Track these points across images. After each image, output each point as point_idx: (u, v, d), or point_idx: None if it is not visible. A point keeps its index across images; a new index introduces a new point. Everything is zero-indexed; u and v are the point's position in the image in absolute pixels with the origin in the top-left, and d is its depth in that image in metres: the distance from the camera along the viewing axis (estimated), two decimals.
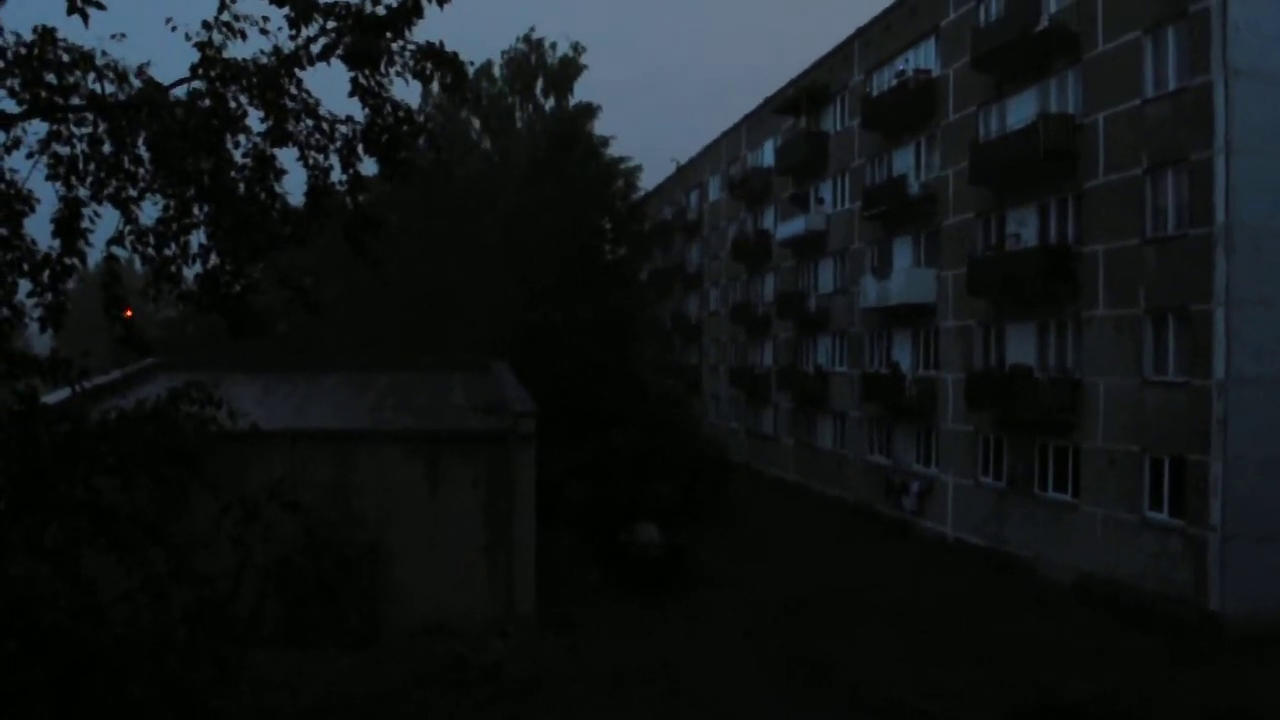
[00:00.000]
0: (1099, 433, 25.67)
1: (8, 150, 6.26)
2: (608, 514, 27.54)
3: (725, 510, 31.82)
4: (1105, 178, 25.77)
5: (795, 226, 45.45)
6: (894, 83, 36.33)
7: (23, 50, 6.07)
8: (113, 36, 6.08)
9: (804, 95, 44.96)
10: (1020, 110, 29.46)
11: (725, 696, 17.88)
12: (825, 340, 44.17)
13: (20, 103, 6.18)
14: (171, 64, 6.46)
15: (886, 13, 37.94)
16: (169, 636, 6.48)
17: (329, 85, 6.82)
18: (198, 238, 6.67)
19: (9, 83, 6.10)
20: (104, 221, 6.54)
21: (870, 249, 39.37)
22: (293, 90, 6.43)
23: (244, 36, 6.33)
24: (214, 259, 6.72)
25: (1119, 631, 22.33)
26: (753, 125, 53.62)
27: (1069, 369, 27.20)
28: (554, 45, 51.84)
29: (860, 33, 40.40)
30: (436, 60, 6.58)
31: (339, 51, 6.37)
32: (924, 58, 35.37)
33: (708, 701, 17.63)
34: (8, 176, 6.32)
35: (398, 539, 19.79)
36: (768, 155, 50.72)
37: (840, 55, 42.30)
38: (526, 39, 51.82)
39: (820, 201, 44.53)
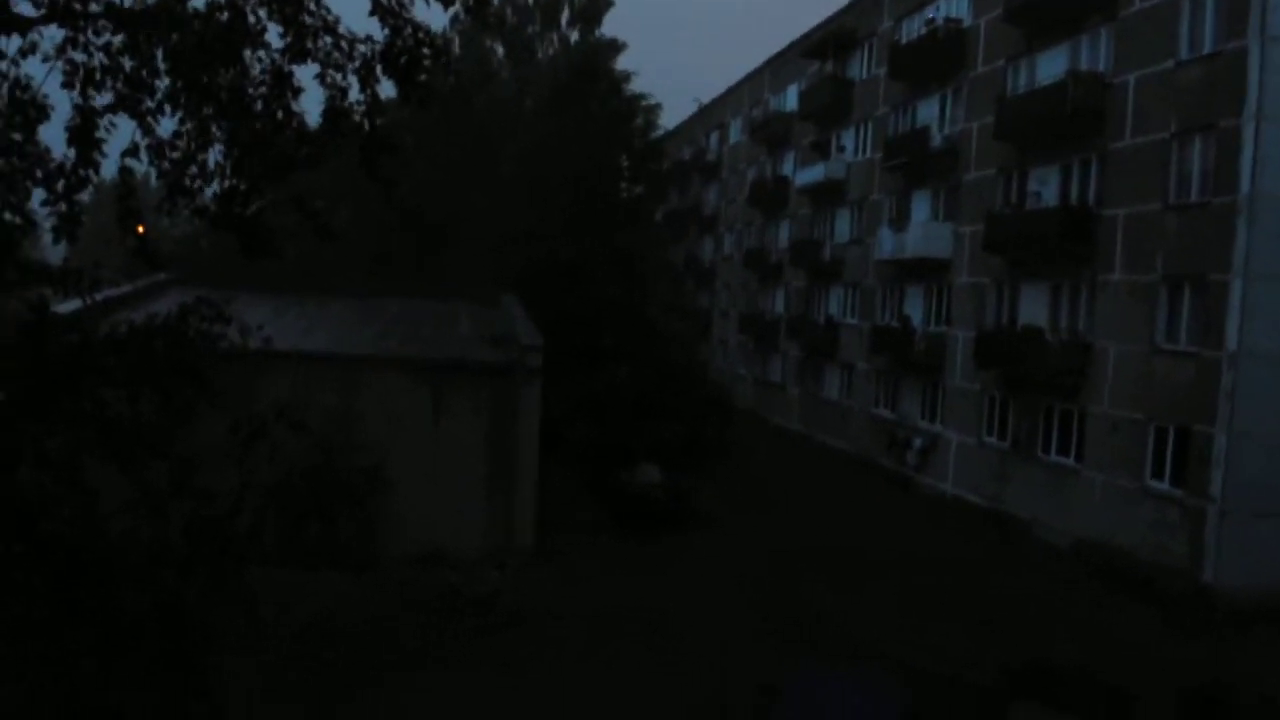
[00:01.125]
0: (1106, 398, 25.63)
1: (23, 55, 6.17)
2: (610, 452, 27.65)
3: (728, 456, 31.92)
4: (1131, 140, 25.41)
5: (814, 173, 45.02)
6: (923, 31, 35.72)
7: None
8: None
9: (831, 39, 44.26)
10: (1050, 66, 28.97)
11: (713, 642, 18.06)
12: (837, 290, 43.98)
13: (37, 6, 6.09)
14: None
15: None
16: (165, 549, 6.53)
17: (349, 3, 6.71)
18: (214, 155, 6.61)
19: None
20: (119, 132, 6.47)
21: (888, 200, 39.03)
22: (312, 6, 6.33)
23: None
24: (230, 178, 6.66)
25: (1112, 598, 22.51)
26: (777, 68, 52.89)
27: (1080, 332, 27.08)
28: None
29: None
30: None
31: None
32: (956, 6, 34.72)
33: (695, 645, 17.83)
34: (23, 82, 6.24)
35: (399, 466, 19.93)
36: (791, 99, 50.11)
37: (870, 0, 41.55)
38: None
39: (841, 149, 44.06)
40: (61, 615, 6.03)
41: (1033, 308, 29.26)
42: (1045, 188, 29.09)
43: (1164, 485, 23.53)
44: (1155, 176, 24.41)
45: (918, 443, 34.88)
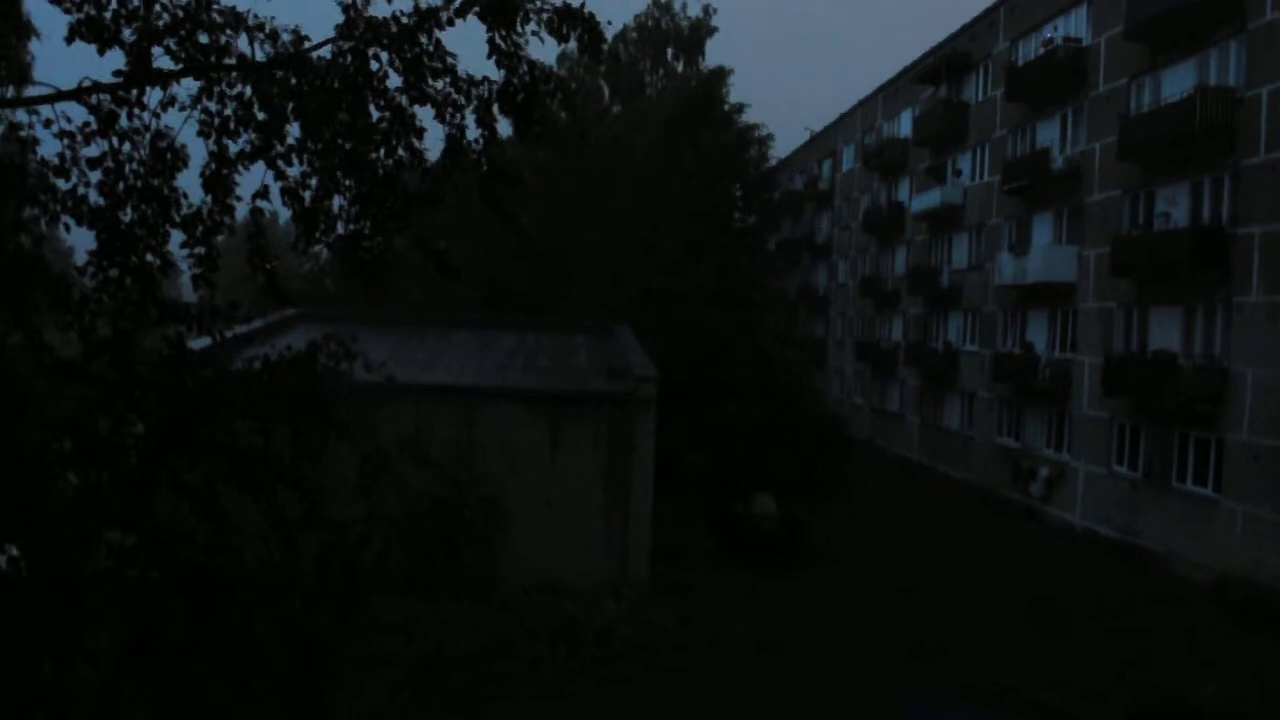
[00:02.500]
0: (1245, 425, 24.42)
1: (164, 107, 6.53)
2: (725, 483, 27.54)
3: (845, 486, 31.47)
4: (1266, 155, 24.32)
5: (930, 199, 44.30)
6: (1041, 51, 34.94)
7: (180, 12, 6.32)
8: None
9: (945, 63, 43.63)
10: (1176, 82, 27.98)
11: (832, 674, 17.76)
12: (956, 317, 43.07)
13: (176, 61, 6.44)
14: (317, 24, 6.64)
15: None
16: (296, 578, 6.75)
17: (466, 45, 6.91)
18: (338, 200, 6.87)
19: (167, 42, 6.36)
20: (250, 176, 6.78)
21: (1008, 224, 38.12)
22: (431, 49, 6.54)
23: None
24: (355, 221, 6.92)
25: (1254, 636, 21.32)
26: (890, 94, 52.35)
27: (1216, 357, 25.91)
28: (684, 6, 51.49)
29: None
30: (573, 21, 6.61)
31: (476, 9, 6.44)
32: (1074, 25, 33.88)
33: (814, 678, 17.55)
34: (163, 133, 6.60)
35: (517, 497, 20.19)
36: (905, 125, 49.50)
37: (985, 22, 40.85)
38: (656, 2, 51.56)
39: (958, 174, 43.28)
40: (195, 640, 6.27)
41: (1164, 332, 28.15)
42: (1174, 208, 28.04)
43: None
44: None
45: (1044, 473, 33.77)
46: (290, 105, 6.53)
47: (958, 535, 30.42)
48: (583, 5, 6.58)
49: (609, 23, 6.87)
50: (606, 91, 51.79)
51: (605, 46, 6.79)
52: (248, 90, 6.47)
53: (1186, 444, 26.91)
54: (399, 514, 8.09)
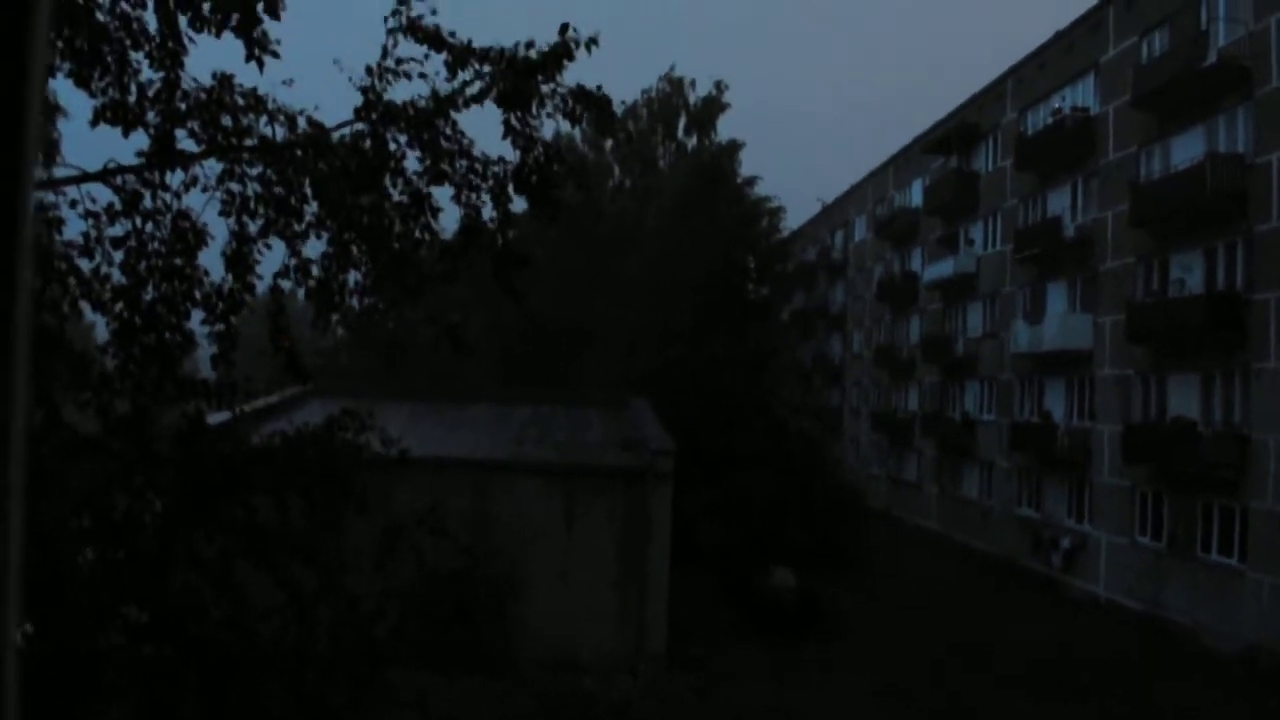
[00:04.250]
0: (1269, 493, 24.13)
1: (186, 188, 6.70)
2: (742, 556, 27.28)
3: (863, 557, 31.10)
4: (1279, 221, 24.40)
5: (943, 268, 44.48)
6: (1049, 121, 35.34)
7: (203, 95, 6.51)
8: (284, 82, 6.46)
9: (954, 134, 44.14)
10: (1185, 150, 28.21)
11: None
12: (973, 386, 42.95)
13: (199, 143, 6.62)
14: (336, 105, 6.83)
15: (1041, 49, 36.98)
16: (311, 653, 6.73)
17: (481, 126, 7.07)
18: (354, 276, 7.00)
19: (190, 124, 6.54)
20: (271, 257, 6.93)
21: (1022, 292, 38.20)
22: (448, 131, 6.70)
23: (408, 77, 6.63)
24: (370, 296, 7.04)
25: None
26: (900, 165, 52.90)
27: (1236, 424, 25.71)
28: (694, 83, 52.26)
29: (1014, 70, 39.47)
30: (586, 102, 6.77)
31: (492, 95, 6.60)
32: (1081, 95, 34.31)
33: None
34: (185, 212, 6.76)
35: (532, 570, 20.06)
36: (916, 195, 49.92)
37: (993, 93, 41.40)
38: (668, 78, 52.38)
39: (970, 243, 43.50)
40: (211, 714, 6.24)
41: (1182, 399, 27.99)
42: (1189, 274, 28.09)
43: None
44: None
45: (1065, 543, 33.36)
46: (308, 184, 6.68)
47: (978, 607, 29.96)
48: (599, 88, 6.74)
49: (623, 102, 7.04)
50: (617, 167, 52.41)
51: (617, 126, 6.95)
52: (268, 171, 6.64)
53: (1210, 513, 26.59)
54: (414, 587, 8.07)
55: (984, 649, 24.53)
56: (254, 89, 6.59)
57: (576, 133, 46.07)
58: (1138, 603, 28.94)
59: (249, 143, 6.63)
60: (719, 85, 51.85)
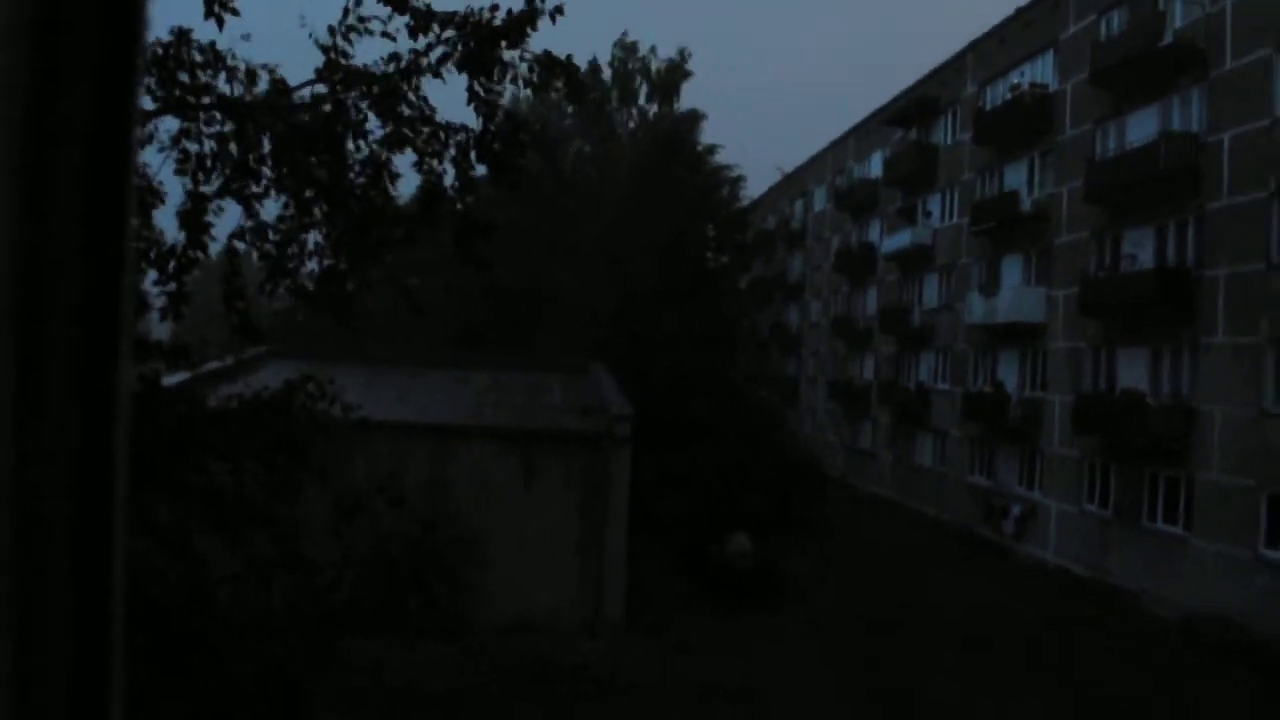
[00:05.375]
0: (1213, 464, 24.70)
1: (141, 145, 6.55)
2: (699, 523, 27.46)
3: (819, 525, 31.43)
4: (1229, 199, 24.81)
5: (901, 239, 44.79)
6: (1008, 96, 35.56)
7: (159, 50, 6.36)
8: (243, 37, 6.33)
9: (914, 107, 44.31)
10: (1140, 128, 28.55)
11: (806, 717, 17.67)
12: (928, 356, 43.41)
13: (155, 100, 6.47)
14: (297, 65, 6.70)
15: (1002, 25, 37.15)
16: (270, 619, 6.70)
17: (446, 91, 6.99)
18: (314, 236, 6.91)
19: (146, 80, 6.40)
20: (226, 216, 6.81)
21: (978, 265, 38.57)
22: (411, 97, 6.61)
23: (371, 33, 6.51)
24: (329, 258, 6.95)
25: (1225, 673, 21.42)
26: (861, 136, 53.03)
27: (1183, 396, 26.24)
28: (654, 49, 51.79)
29: (974, 45, 39.64)
30: (553, 69, 6.70)
31: (454, 60, 6.52)
32: (1040, 71, 34.54)
33: None
34: (140, 170, 6.62)
35: (491, 535, 20.06)
36: (875, 166, 50.12)
37: (953, 68, 41.57)
38: (621, 44, 51.81)
39: (928, 215, 43.81)
40: (168, 681, 6.20)
41: (1132, 372, 28.49)
42: (1141, 250, 28.50)
43: None
44: (1257, 236, 23.75)
45: (1015, 510, 33.95)
46: (267, 144, 6.57)
47: (931, 573, 30.45)
48: (569, 57, 6.67)
49: (583, 68, 6.97)
50: (578, 137, 51.85)
51: (587, 93, 6.90)
52: (225, 129, 6.51)
53: (1156, 483, 27.16)
54: (371, 554, 8.05)
55: (931, 615, 24.95)
56: (212, 43, 6.45)
57: (531, 98, 45.68)
58: (1085, 569, 29.57)
59: (207, 100, 6.50)
60: (682, 52, 51.48)
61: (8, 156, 0.76)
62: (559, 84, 6.78)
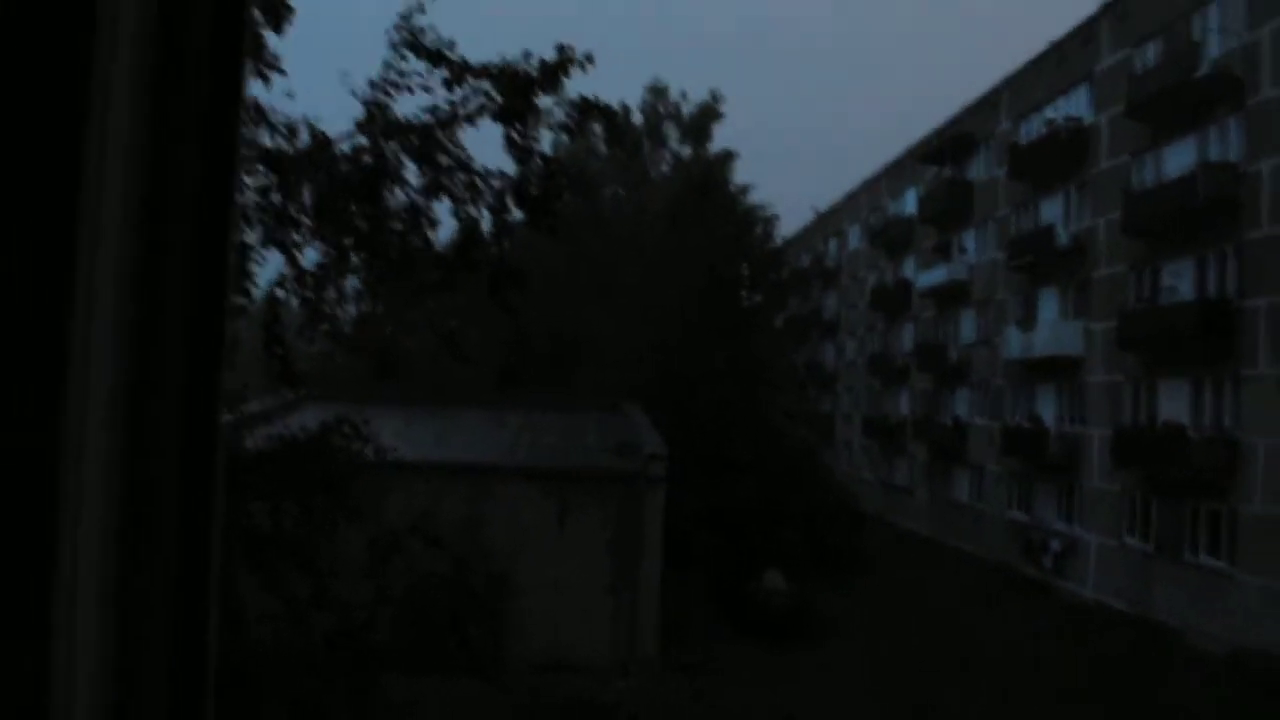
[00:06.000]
0: (1257, 496, 24.30)
1: None
2: (735, 561, 27.36)
3: (855, 562, 31.21)
4: (1270, 229, 24.59)
5: (937, 275, 44.67)
6: (1043, 131, 35.52)
7: None
8: (286, 94, 6.54)
9: (949, 143, 44.34)
10: (1178, 159, 28.41)
11: None
12: (964, 392, 43.12)
13: None
14: (338, 116, 6.90)
15: (1036, 60, 37.18)
16: (307, 658, 6.78)
17: (483, 138, 7.15)
18: (353, 282, 7.07)
19: None
20: (268, 265, 7.00)
21: (1014, 300, 38.38)
22: (448, 146, 6.77)
23: (410, 90, 6.69)
24: (366, 304, 7.11)
25: (1274, 711, 20.94)
26: (894, 174, 53.08)
27: (1225, 428, 25.89)
28: (685, 94, 52.20)
29: (1008, 80, 39.68)
30: (589, 112, 6.84)
31: (491, 110, 6.69)
32: (1075, 105, 34.51)
33: None
34: None
35: (525, 574, 20.12)
36: (910, 204, 50.09)
37: (987, 103, 41.60)
38: (651, 88, 52.27)
39: (963, 250, 43.70)
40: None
41: (1172, 404, 28.16)
42: (1180, 281, 28.27)
43: None
44: None
45: (1055, 546, 33.51)
46: (307, 194, 6.76)
47: (969, 610, 30.06)
48: (598, 99, 6.82)
49: (619, 110, 7.09)
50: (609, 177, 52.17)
51: (626, 136, 7.05)
52: (269, 181, 6.71)
53: (1198, 516, 26.76)
54: (407, 593, 8.13)
55: (971, 652, 24.62)
56: (255, 100, 6.66)
57: (564, 147, 46.16)
58: (1127, 604, 29.10)
59: (249, 154, 6.71)
60: (713, 94, 51.82)
61: (128, 190, 0.87)
62: (597, 127, 6.92)
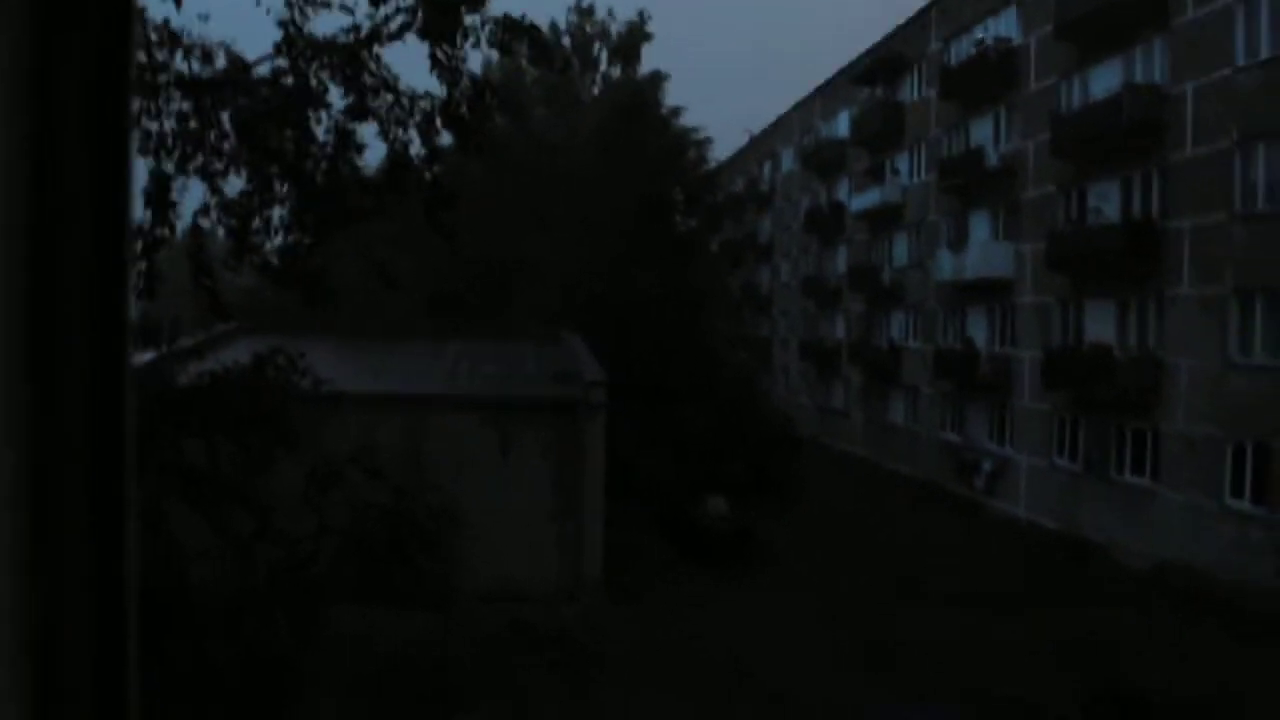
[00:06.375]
0: (1180, 415, 25.07)
1: None
2: (677, 488, 27.61)
3: (795, 486, 31.69)
4: (1193, 151, 25.00)
5: (870, 198, 44.88)
6: (973, 52, 35.57)
7: None
8: (200, 16, 6.26)
9: (880, 65, 44.25)
10: (1104, 80, 28.67)
11: (790, 678, 17.91)
12: (898, 315, 43.66)
13: None
14: (256, 41, 6.62)
15: None
16: (248, 595, 6.70)
17: (407, 61, 6.93)
18: (279, 212, 6.86)
19: None
20: (190, 194, 6.76)
21: (946, 222, 38.73)
22: (372, 67, 6.56)
23: (327, 5, 6.45)
24: (294, 233, 6.92)
25: (1193, 622, 21.85)
26: (827, 96, 52.93)
27: (1150, 349, 26.56)
28: (611, 12, 51.36)
29: (938, 1, 39.55)
30: (516, 31, 6.66)
31: (416, 27, 6.47)
32: (1004, 26, 34.55)
33: (772, 682, 17.68)
34: None
35: (468, 504, 20.06)
36: (842, 126, 50.07)
37: (917, 24, 41.49)
38: (577, 8, 51.36)
39: (896, 173, 43.89)
40: (147, 664, 6.21)
41: (1100, 325, 28.79)
42: (1106, 203, 28.71)
43: (1245, 504, 22.90)
44: (1221, 187, 23.97)
45: (986, 466, 34.35)
46: (228, 121, 6.51)
47: (905, 531, 30.80)
48: (523, 17, 6.64)
49: (547, 29, 6.92)
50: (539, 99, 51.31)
51: (553, 55, 6.87)
52: (186, 107, 6.45)
53: (1124, 435, 27.54)
54: (349, 525, 8.06)
55: (907, 572, 25.27)
56: (167, 21, 6.37)
57: (494, 69, 45.19)
58: (1056, 522, 30.01)
59: (164, 79, 6.43)
60: (641, 14, 50.94)
61: (9, 148, 0.79)
62: (522, 47, 6.75)
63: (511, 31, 6.63)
